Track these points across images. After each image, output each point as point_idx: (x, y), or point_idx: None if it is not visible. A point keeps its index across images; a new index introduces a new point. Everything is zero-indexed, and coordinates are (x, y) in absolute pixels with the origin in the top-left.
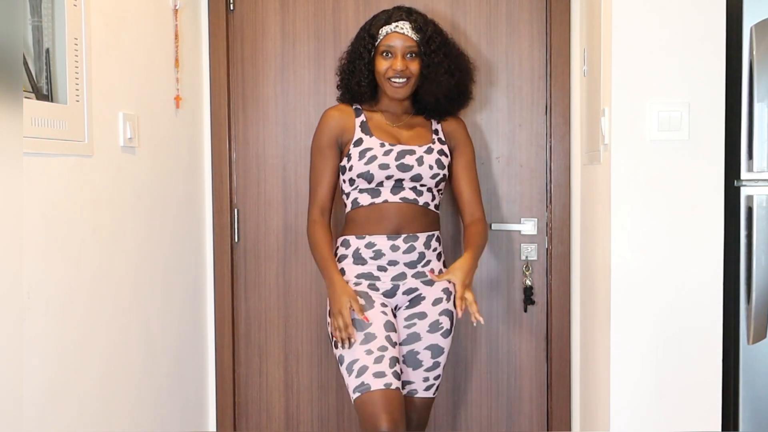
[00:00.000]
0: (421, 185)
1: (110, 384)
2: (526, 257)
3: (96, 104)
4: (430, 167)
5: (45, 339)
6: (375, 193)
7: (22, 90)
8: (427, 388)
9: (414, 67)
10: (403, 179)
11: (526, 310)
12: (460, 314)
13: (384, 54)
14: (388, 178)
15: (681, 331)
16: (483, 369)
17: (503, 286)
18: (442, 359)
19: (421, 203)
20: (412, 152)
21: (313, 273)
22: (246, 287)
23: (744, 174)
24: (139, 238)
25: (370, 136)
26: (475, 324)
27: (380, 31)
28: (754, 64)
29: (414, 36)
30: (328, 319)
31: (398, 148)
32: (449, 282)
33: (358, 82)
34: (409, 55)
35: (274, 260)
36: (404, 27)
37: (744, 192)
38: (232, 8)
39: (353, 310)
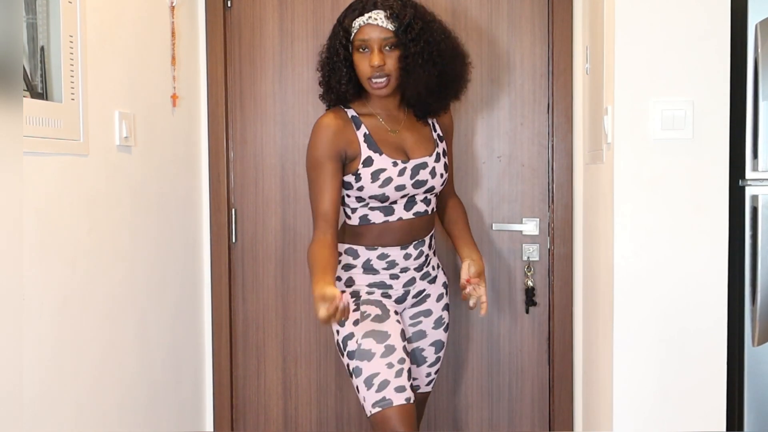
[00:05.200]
0: (431, 194)
1: (106, 385)
2: (528, 258)
3: (91, 103)
4: (441, 176)
5: (40, 340)
6: (388, 211)
7: (21, 91)
8: (429, 383)
9: (392, 61)
10: (416, 194)
11: (527, 312)
12: (473, 303)
13: (360, 49)
14: (403, 196)
15: (684, 332)
16: (484, 371)
17: (504, 287)
18: (442, 353)
19: (430, 211)
20: (424, 165)
21: None
22: (244, 288)
23: (749, 173)
24: (135, 238)
25: (380, 154)
26: (480, 312)
27: (353, 24)
28: (759, 62)
29: (389, 26)
30: (337, 327)
31: (411, 164)
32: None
33: (338, 80)
34: (387, 48)
35: (272, 261)
36: (378, 17)
37: (749, 192)
38: (229, 5)
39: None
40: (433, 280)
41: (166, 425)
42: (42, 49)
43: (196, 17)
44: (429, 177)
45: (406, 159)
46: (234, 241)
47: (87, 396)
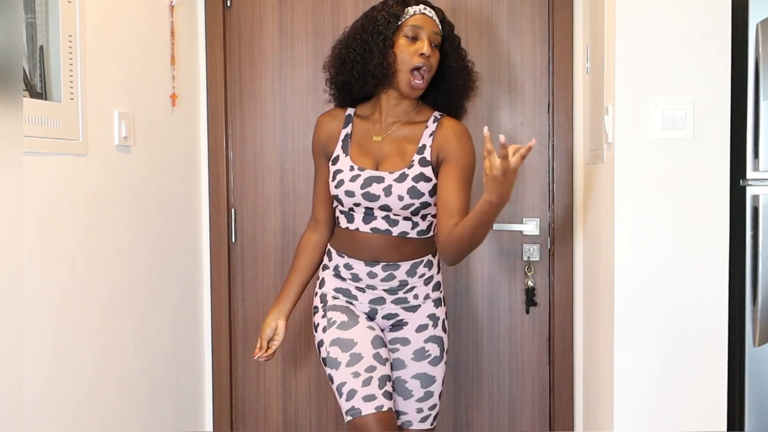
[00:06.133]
0: (395, 214)
1: (105, 384)
2: (528, 258)
3: (91, 102)
4: (400, 198)
5: (39, 339)
6: (349, 217)
7: (21, 91)
8: (423, 419)
9: (435, 59)
10: (372, 208)
11: (528, 312)
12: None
13: (409, 37)
14: (357, 205)
15: (685, 332)
16: (484, 371)
17: (505, 287)
18: (434, 388)
19: (396, 233)
20: (380, 180)
21: None
22: (243, 288)
23: (750, 173)
24: (134, 238)
25: (346, 155)
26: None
27: (406, 11)
28: (760, 62)
29: (440, 26)
30: (314, 333)
31: (366, 174)
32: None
33: (379, 63)
34: (433, 45)
35: (272, 261)
36: (431, 12)
37: (750, 191)
38: (229, 5)
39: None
40: (412, 309)
41: (166, 425)
42: (41, 48)
43: (196, 17)
44: (382, 193)
45: (364, 168)
46: (234, 241)
47: (86, 396)
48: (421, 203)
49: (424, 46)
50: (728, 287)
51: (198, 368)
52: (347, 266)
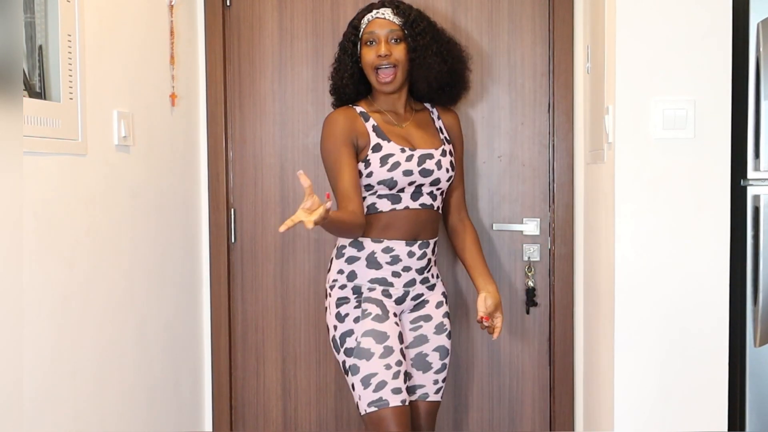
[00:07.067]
0: (437, 189)
1: (105, 385)
2: (529, 258)
3: (90, 102)
4: (447, 170)
5: (38, 340)
6: (395, 199)
7: (21, 91)
8: (437, 391)
9: (399, 52)
10: (423, 184)
11: (528, 312)
12: (494, 333)
13: (368, 43)
14: (411, 184)
15: (686, 333)
16: (484, 371)
17: (505, 287)
18: (448, 361)
19: (435, 207)
20: (431, 156)
21: (311, 274)
22: (243, 288)
23: (750, 173)
24: (133, 238)
25: (388, 141)
26: (493, 336)
27: (362, 20)
28: (761, 61)
29: (396, 20)
30: (335, 323)
31: (418, 152)
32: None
33: (341, 76)
34: (393, 41)
35: (272, 261)
36: (386, 12)
37: (750, 191)
38: (228, 4)
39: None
40: (432, 287)
41: (166, 425)
42: (40, 48)
43: (195, 16)
44: (435, 168)
45: (414, 148)
46: (233, 241)
47: (86, 396)
48: (453, 175)
49: (380, 49)
50: (729, 287)
51: (197, 368)
52: (386, 249)
